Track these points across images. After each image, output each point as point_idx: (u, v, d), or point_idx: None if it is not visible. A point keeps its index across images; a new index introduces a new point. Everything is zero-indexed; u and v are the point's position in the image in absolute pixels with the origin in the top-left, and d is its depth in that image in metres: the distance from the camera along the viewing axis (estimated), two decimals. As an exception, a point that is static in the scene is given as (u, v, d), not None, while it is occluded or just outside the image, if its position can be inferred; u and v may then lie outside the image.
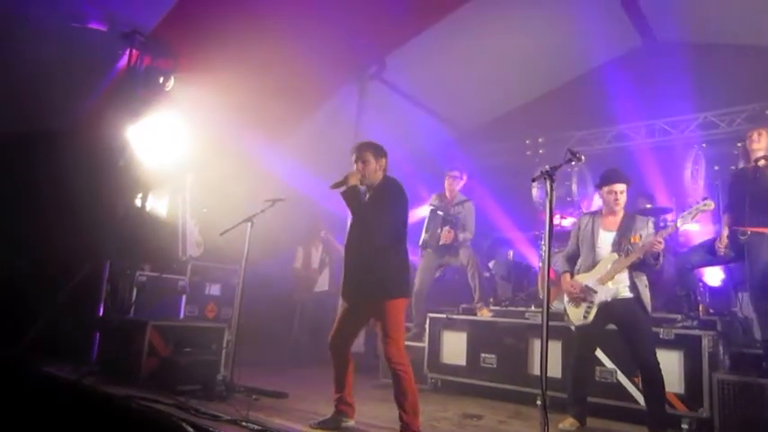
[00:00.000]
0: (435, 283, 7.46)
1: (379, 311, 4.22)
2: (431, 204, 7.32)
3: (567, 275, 4.99)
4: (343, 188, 4.31)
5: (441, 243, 7.03)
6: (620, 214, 4.90)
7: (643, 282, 4.69)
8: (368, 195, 4.44)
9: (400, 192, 4.34)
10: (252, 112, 7.50)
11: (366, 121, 8.47)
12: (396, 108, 9.06)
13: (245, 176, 8.42)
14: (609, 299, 4.73)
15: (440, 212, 7.06)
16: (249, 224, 5.61)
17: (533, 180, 4.16)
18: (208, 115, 7.32)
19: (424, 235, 7.16)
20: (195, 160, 7.67)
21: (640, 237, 4.66)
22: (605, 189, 4.88)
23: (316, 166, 8.66)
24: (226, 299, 8.20)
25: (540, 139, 9.98)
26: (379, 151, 4.44)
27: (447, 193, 7.39)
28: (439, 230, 7.03)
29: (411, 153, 9.75)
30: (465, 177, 7.42)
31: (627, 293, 4.67)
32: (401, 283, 4.30)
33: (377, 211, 4.24)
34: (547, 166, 3.91)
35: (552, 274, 5.84)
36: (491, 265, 8.41)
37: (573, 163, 4.05)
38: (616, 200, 4.82)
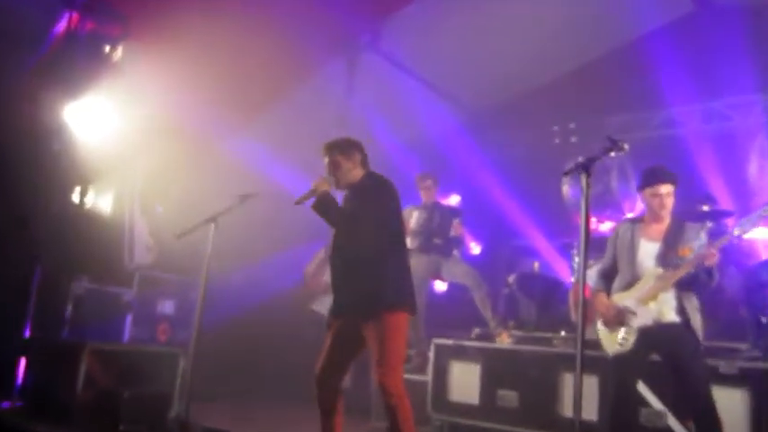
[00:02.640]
0: (441, 300, 7.43)
1: (374, 328, 4.21)
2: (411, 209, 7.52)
3: (602, 295, 4.94)
4: (312, 200, 4.43)
5: (435, 241, 7.07)
6: (667, 221, 4.82)
7: (693, 303, 4.62)
8: (345, 199, 4.59)
9: (383, 185, 4.46)
10: (218, 90, 7.53)
11: (357, 103, 8.50)
12: (393, 86, 9.05)
13: (210, 167, 8.44)
14: (650, 323, 4.66)
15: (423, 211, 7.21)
16: (212, 225, 5.59)
17: (565, 174, 4.08)
18: (164, 93, 7.34)
19: (408, 236, 7.22)
20: (148, 146, 7.66)
21: (691, 249, 4.57)
22: (648, 191, 4.80)
23: (297, 157, 8.60)
24: (182, 318, 8.21)
25: (571, 125, 9.95)
26: (347, 148, 4.58)
27: (424, 200, 7.53)
28: (432, 223, 7.10)
29: (412, 141, 9.72)
30: (437, 182, 7.59)
31: (673, 317, 4.60)
32: (401, 292, 4.33)
33: (360, 213, 4.35)
34: (581, 158, 3.88)
35: (588, 292, 5.74)
36: (511, 279, 8.39)
37: (613, 154, 4.00)
38: (661, 204, 4.74)
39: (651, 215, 4.89)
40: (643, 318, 4.70)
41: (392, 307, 4.24)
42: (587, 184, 3.77)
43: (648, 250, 4.78)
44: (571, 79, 9.64)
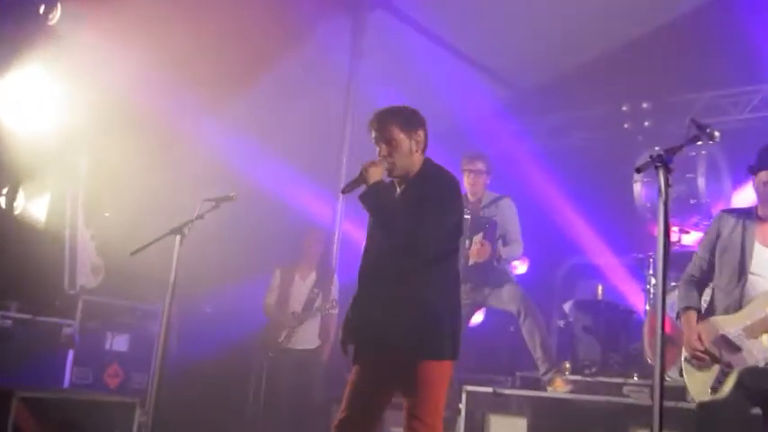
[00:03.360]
0: (475, 332, 7.42)
1: (409, 377, 4.21)
2: None
3: (691, 315, 4.77)
4: (361, 189, 4.35)
5: (471, 263, 6.97)
6: None
7: None
8: (398, 192, 4.48)
9: (451, 185, 4.43)
10: (186, 64, 7.58)
11: (364, 76, 8.59)
12: (410, 55, 9.10)
13: (174, 162, 8.49)
14: (761, 363, 4.52)
15: (467, 215, 7.01)
16: (178, 237, 5.63)
17: (637, 170, 4.01)
18: (115, 67, 7.38)
19: None
20: (94, 137, 7.69)
21: None
22: (764, 175, 4.69)
23: (288, 147, 8.60)
24: (139, 357, 8.21)
25: (644, 105, 9.96)
26: (411, 121, 4.48)
27: (469, 195, 7.37)
28: (467, 242, 6.99)
29: (436, 126, 9.66)
30: (491, 168, 7.47)
31: None
32: (447, 335, 4.28)
33: (413, 216, 4.24)
34: (658, 148, 3.84)
35: (669, 326, 5.70)
36: (567, 308, 8.42)
37: (700, 143, 4.01)
38: None
39: None
40: (750, 354, 4.49)
41: (435, 355, 4.22)
42: (666, 183, 3.72)
43: (765, 259, 4.61)
44: (644, 46, 9.57)
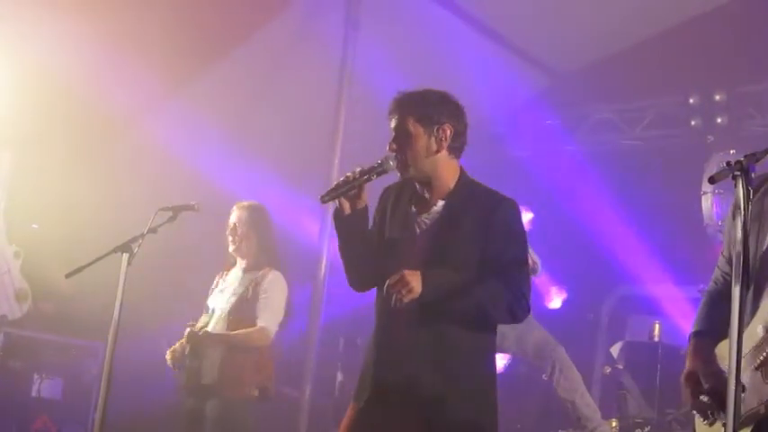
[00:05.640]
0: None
1: None
2: None
3: (697, 344, 4.51)
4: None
5: None
6: None
7: None
8: (436, 212, 4.39)
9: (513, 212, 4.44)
10: (137, 37, 7.66)
11: (362, 54, 8.55)
12: (418, 27, 9.08)
13: (121, 161, 8.54)
14: (763, 408, 4.18)
15: None
16: (125, 256, 5.59)
17: (710, 180, 3.84)
18: (50, 43, 7.43)
19: None
20: (19, 130, 7.73)
21: None
22: None
23: (264, 143, 8.52)
24: (74, 406, 8.16)
25: (716, 96, 9.77)
26: (434, 111, 4.39)
27: None
28: None
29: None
30: None
31: None
32: (487, 421, 4.38)
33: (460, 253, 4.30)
34: (733, 152, 3.69)
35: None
36: (615, 351, 8.40)
37: None
38: None
39: None
40: (754, 395, 4.24)
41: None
42: (747, 197, 3.52)
43: None
44: (720, 20, 9.54)
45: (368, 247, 4.40)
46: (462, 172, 4.47)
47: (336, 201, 4.28)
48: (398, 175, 4.34)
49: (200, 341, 6.31)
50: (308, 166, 9.04)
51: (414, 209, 4.39)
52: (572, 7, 9.44)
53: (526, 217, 9.02)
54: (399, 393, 4.36)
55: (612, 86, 10.30)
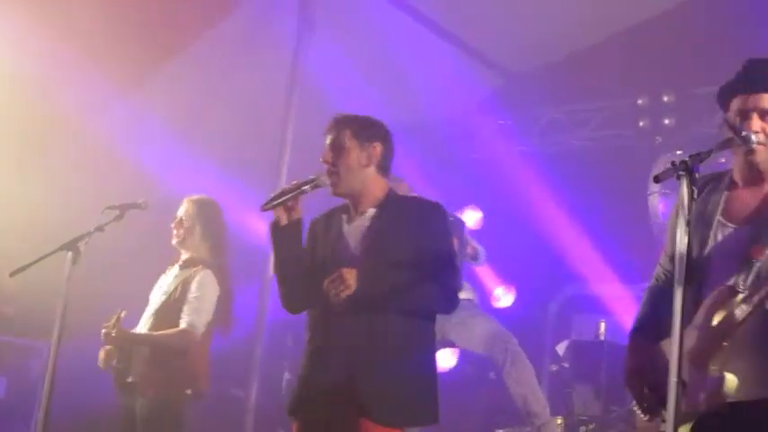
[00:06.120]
0: (444, 381, 7.40)
1: None
2: None
3: (642, 340, 4.53)
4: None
5: None
6: None
7: None
8: (366, 223, 4.68)
9: (438, 214, 4.77)
10: (84, 32, 7.59)
11: (314, 53, 8.52)
12: (373, 27, 9.06)
13: (68, 157, 8.45)
14: (704, 405, 4.19)
15: None
16: (70, 254, 5.56)
17: (655, 180, 3.89)
18: None
19: None
20: None
21: None
22: (735, 104, 4.42)
23: (214, 141, 8.49)
24: (17, 405, 8.11)
25: (665, 98, 9.88)
26: (368, 131, 4.74)
27: None
28: None
29: (404, 119, 9.64)
30: (412, 189, 7.55)
31: (753, 390, 4.17)
32: (431, 398, 4.61)
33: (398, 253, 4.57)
34: (680, 153, 3.75)
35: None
36: (561, 349, 8.44)
37: (737, 147, 3.95)
38: (757, 130, 4.36)
39: (740, 165, 4.49)
40: (695, 392, 4.28)
41: (419, 420, 4.64)
42: (691, 197, 3.63)
43: (727, 243, 4.34)
44: (669, 23, 9.65)
45: (300, 264, 4.62)
46: (390, 189, 4.75)
47: (273, 212, 4.51)
48: (330, 190, 4.58)
49: (114, 341, 6.19)
50: (258, 166, 9.00)
51: (346, 226, 4.66)
52: (525, 9, 9.47)
53: (475, 216, 9.08)
54: (335, 393, 4.48)
55: (564, 87, 10.35)
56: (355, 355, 4.47)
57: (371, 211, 4.64)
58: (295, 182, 4.56)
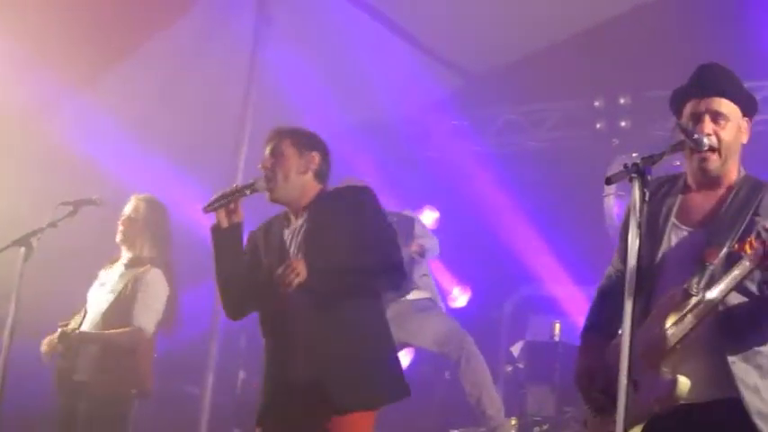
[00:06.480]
0: None
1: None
2: None
3: (593, 340, 4.56)
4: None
5: None
6: (727, 180, 4.52)
7: (761, 360, 4.23)
8: (302, 224, 4.83)
9: (366, 195, 4.88)
10: (37, 28, 7.57)
11: (272, 51, 8.52)
12: (332, 26, 9.06)
13: (19, 157, 8.40)
14: (657, 406, 4.21)
15: None
16: (22, 250, 5.52)
17: (607, 182, 3.92)
18: None
19: None
20: None
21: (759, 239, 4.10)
22: (688, 108, 4.50)
23: (170, 138, 8.46)
24: None
25: (621, 100, 9.96)
26: (307, 141, 4.92)
27: None
28: None
29: (361, 118, 9.64)
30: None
31: (707, 392, 4.18)
32: (399, 374, 4.81)
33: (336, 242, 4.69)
34: (635, 155, 3.78)
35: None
36: (516, 350, 8.47)
37: (689, 150, 3.97)
38: (709, 133, 4.38)
39: (694, 167, 4.50)
40: (646, 395, 4.30)
41: (373, 403, 4.68)
42: (642, 198, 3.65)
43: (681, 246, 4.34)
44: (627, 26, 9.70)
45: (241, 268, 4.74)
46: (322, 190, 4.90)
47: (215, 214, 4.61)
48: (267, 195, 4.72)
49: (72, 342, 6.17)
50: (213, 165, 8.96)
51: (286, 231, 4.80)
52: (483, 10, 9.44)
53: (432, 216, 9.11)
54: (304, 391, 4.57)
55: (521, 88, 10.34)
56: (316, 350, 4.54)
57: (304, 215, 4.78)
58: (235, 185, 4.69)
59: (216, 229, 4.65)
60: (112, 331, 6.14)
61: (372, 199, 4.85)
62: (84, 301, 6.55)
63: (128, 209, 6.43)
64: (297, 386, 4.61)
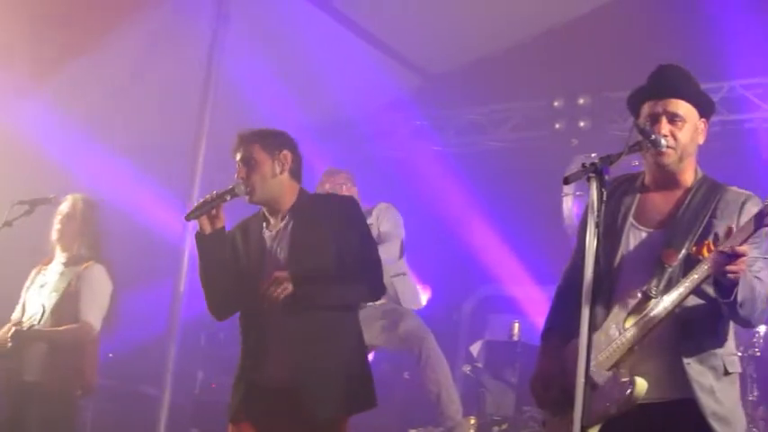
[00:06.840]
0: None
1: None
2: None
3: (553, 342, 4.54)
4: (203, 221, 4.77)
5: None
6: (685, 181, 4.52)
7: (716, 362, 4.18)
8: (285, 226, 4.87)
9: (352, 207, 4.97)
10: None
11: (230, 50, 8.46)
12: (290, 25, 9.07)
13: None
14: (613, 408, 4.20)
15: None
16: None
17: (565, 181, 3.90)
18: None
19: None
20: None
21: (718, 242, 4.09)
22: (645, 109, 4.30)
23: (127, 138, 8.42)
24: None
25: (580, 100, 9.98)
26: (275, 141, 4.92)
27: None
28: None
29: (320, 118, 9.63)
30: (354, 182, 7.70)
31: (662, 392, 4.07)
32: (370, 384, 4.87)
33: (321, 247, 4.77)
34: (594, 155, 3.79)
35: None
36: (475, 350, 8.45)
37: (646, 150, 3.99)
38: (666, 134, 4.39)
39: (653, 167, 4.50)
40: (605, 395, 4.29)
41: (348, 410, 4.76)
42: (600, 198, 3.65)
43: (639, 247, 4.33)
44: (585, 28, 9.70)
45: (226, 270, 4.77)
46: (302, 190, 4.95)
47: (198, 221, 4.65)
48: (247, 199, 4.76)
49: (25, 340, 6.08)
50: (172, 163, 8.93)
51: (266, 232, 4.85)
52: (443, 10, 9.47)
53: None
54: (278, 393, 4.62)
55: (481, 89, 10.35)
56: (294, 354, 4.60)
57: (287, 216, 4.82)
58: (215, 192, 4.67)
59: (200, 236, 4.70)
60: (62, 328, 6.08)
61: (358, 212, 4.94)
62: (16, 302, 6.49)
63: (65, 207, 6.34)
64: (270, 388, 4.67)
